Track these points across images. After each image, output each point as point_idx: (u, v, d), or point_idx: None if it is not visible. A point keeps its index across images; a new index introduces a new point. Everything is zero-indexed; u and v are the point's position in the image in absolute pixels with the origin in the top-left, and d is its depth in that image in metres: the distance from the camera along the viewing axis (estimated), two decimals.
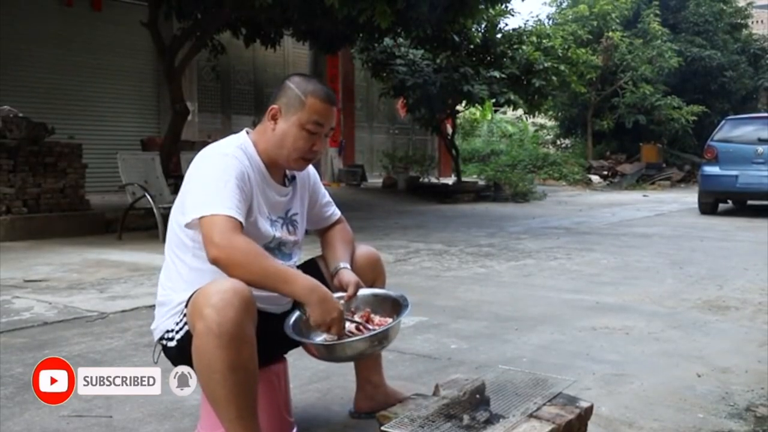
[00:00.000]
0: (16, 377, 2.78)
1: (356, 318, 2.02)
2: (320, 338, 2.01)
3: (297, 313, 2.01)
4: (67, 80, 11.11)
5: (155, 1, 8.86)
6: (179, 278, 1.98)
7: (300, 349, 2.20)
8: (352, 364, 2.31)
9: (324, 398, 2.56)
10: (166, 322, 1.98)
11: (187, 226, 1.90)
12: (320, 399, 2.55)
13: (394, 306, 2.08)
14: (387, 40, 12.31)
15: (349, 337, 1.95)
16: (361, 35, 10.85)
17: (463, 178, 14.98)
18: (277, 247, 2.06)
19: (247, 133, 2.09)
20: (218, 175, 1.90)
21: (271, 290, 1.86)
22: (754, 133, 10.47)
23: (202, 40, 9.39)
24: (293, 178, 2.15)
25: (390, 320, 2.02)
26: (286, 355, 2.21)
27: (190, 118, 10.02)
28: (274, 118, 2.02)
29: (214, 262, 1.81)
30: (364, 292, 2.11)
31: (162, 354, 2.03)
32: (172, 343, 1.96)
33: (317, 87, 2.02)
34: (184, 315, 1.89)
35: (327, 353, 1.98)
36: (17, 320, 3.73)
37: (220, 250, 1.79)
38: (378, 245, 6.46)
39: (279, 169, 2.09)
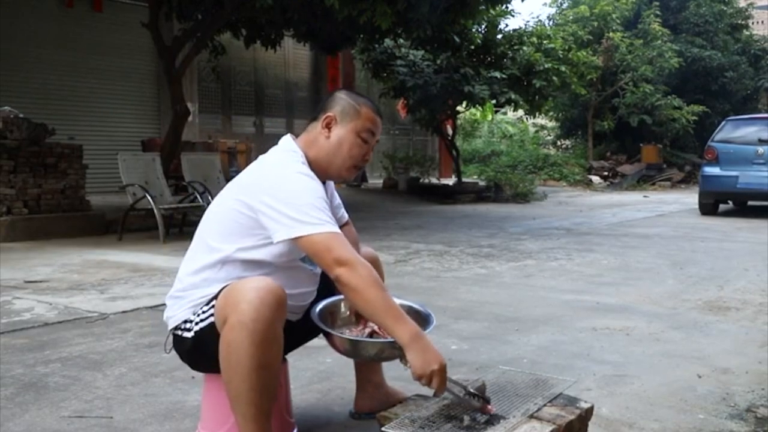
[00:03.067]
0: (17, 378, 2.78)
1: (371, 324, 2.04)
2: (345, 332, 2.06)
3: (324, 303, 2.07)
4: (67, 81, 11.12)
5: (156, 2, 8.87)
6: (211, 276, 1.94)
7: (300, 349, 2.21)
8: (352, 365, 2.32)
9: (324, 399, 2.56)
10: (183, 312, 1.97)
11: (280, 241, 1.86)
12: (321, 399, 2.56)
13: (415, 316, 2.08)
14: (387, 41, 12.31)
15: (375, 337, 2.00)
16: (361, 36, 10.86)
17: (464, 179, 14.97)
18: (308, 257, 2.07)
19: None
20: (310, 193, 1.89)
21: (375, 322, 1.89)
22: (755, 133, 10.46)
23: (202, 40, 9.40)
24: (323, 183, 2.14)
25: None
26: (286, 356, 2.21)
27: (190, 118, 10.03)
28: (329, 126, 2.05)
29: (337, 279, 1.82)
30: None
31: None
32: (189, 334, 1.95)
33: (368, 100, 2.11)
34: (212, 307, 1.89)
35: (352, 349, 2.01)
36: (18, 321, 3.74)
37: (347, 271, 1.80)
38: (379, 246, 6.47)
39: (323, 177, 2.08)
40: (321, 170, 2.05)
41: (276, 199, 1.87)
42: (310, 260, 2.05)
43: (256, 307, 1.74)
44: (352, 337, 2.01)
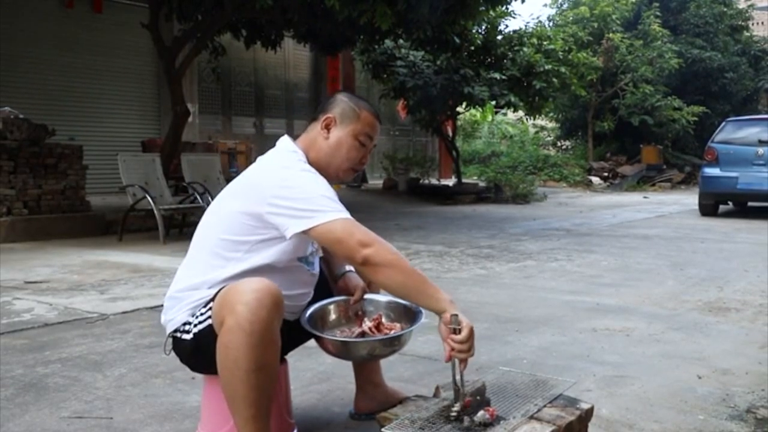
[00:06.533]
0: (17, 378, 2.78)
1: (367, 321, 2.08)
2: (336, 333, 2.08)
3: (313, 308, 2.07)
4: (67, 82, 11.12)
5: (156, 3, 8.87)
6: (212, 278, 1.94)
7: (300, 350, 2.21)
8: (351, 366, 2.32)
9: (324, 399, 2.56)
10: (182, 314, 1.97)
11: (304, 233, 1.86)
12: (321, 400, 2.55)
13: (405, 312, 2.10)
14: (387, 42, 12.31)
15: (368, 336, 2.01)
16: (361, 37, 10.85)
17: (464, 180, 14.97)
18: (310, 256, 2.08)
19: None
20: (320, 185, 1.92)
21: (413, 295, 1.87)
22: (755, 134, 10.46)
23: (202, 41, 9.40)
24: None
25: (398, 325, 2.08)
26: (286, 357, 2.21)
27: (190, 119, 10.03)
28: (328, 127, 2.07)
29: (365, 261, 1.81)
30: (376, 297, 2.17)
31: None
32: (188, 336, 1.95)
33: (368, 104, 2.14)
34: (209, 309, 1.89)
35: (343, 350, 2.03)
36: (18, 321, 3.74)
37: (372, 249, 1.81)
38: None
39: None
40: (320, 171, 2.05)
41: (285, 196, 1.88)
42: (307, 260, 2.06)
43: (253, 308, 1.73)
44: (343, 339, 2.03)
